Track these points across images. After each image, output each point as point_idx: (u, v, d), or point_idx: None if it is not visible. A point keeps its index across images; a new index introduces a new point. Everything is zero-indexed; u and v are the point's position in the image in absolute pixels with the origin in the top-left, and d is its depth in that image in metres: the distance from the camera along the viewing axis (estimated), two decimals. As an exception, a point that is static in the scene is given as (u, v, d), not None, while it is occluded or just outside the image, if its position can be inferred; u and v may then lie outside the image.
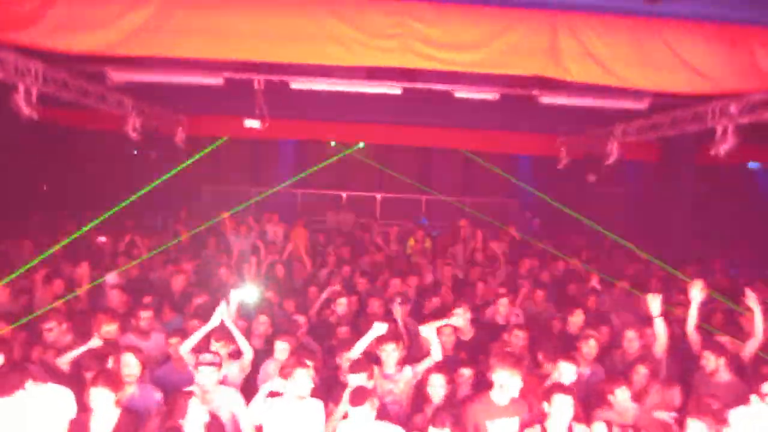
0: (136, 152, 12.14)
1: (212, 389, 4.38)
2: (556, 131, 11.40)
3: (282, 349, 5.03)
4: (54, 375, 4.57)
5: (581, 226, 12.04)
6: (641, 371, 4.84)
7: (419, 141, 12.49)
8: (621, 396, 4.40)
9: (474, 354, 5.51)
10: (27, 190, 11.81)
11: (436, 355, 4.85)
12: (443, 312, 5.76)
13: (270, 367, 5.13)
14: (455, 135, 11.84)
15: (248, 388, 4.88)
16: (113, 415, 3.98)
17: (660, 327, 5.11)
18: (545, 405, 4.13)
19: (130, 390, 4.40)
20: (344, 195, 15.72)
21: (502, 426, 4.25)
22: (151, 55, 5.88)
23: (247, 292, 6.11)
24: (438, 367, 4.66)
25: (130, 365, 4.39)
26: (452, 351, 5.47)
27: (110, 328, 5.09)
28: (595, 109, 8.24)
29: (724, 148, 6.45)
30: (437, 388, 4.48)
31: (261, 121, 8.04)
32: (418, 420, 4.45)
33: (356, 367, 4.46)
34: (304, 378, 4.22)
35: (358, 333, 5.49)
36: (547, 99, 7.81)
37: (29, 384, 3.92)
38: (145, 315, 5.60)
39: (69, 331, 5.30)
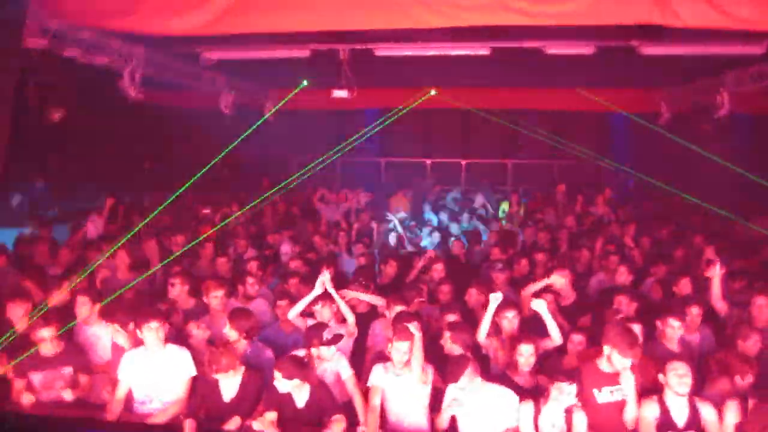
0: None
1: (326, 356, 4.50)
2: (656, 84, 10.63)
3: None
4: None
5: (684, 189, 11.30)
6: None
7: (508, 103, 12.05)
8: None
9: (575, 319, 5.33)
10: (133, 168, 12.60)
11: (555, 336, 4.70)
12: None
13: (377, 327, 5.27)
14: (546, 95, 11.35)
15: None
16: (239, 372, 4.23)
17: None
18: (660, 376, 3.93)
19: (242, 348, 4.65)
20: (429, 162, 15.58)
21: (610, 395, 4.11)
22: (241, 32, 6.03)
23: None
24: (527, 337, 4.53)
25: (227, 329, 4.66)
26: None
27: (218, 294, 5.36)
28: (702, 58, 7.55)
29: None
30: (526, 357, 4.37)
31: (348, 90, 8.06)
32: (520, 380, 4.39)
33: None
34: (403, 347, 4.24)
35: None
36: (649, 50, 7.23)
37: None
38: (251, 281, 5.93)
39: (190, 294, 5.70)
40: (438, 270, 6.60)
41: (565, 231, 8.62)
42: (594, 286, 6.69)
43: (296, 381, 3.96)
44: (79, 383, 4.59)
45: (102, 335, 4.97)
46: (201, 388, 4.30)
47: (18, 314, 4.90)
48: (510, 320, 4.87)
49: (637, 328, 4.49)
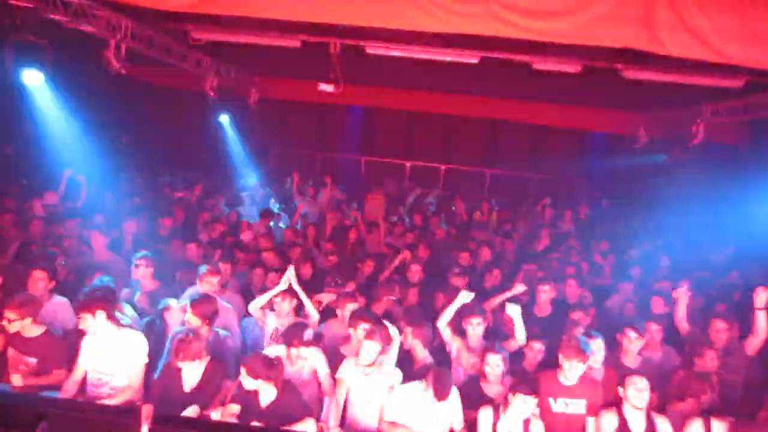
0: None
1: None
2: (635, 108, 10.87)
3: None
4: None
5: (654, 209, 11.60)
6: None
7: (492, 113, 12.20)
8: None
9: (547, 330, 5.41)
10: (108, 141, 12.34)
11: (521, 337, 4.84)
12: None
13: (332, 327, 5.27)
14: (528, 108, 11.51)
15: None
16: (203, 362, 4.20)
17: (761, 321, 4.84)
18: (619, 389, 4.05)
19: (204, 334, 4.54)
20: (408, 165, 15.65)
21: (565, 406, 4.21)
22: (233, 13, 5.98)
23: None
24: (494, 347, 4.61)
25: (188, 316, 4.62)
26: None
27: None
28: (682, 86, 7.76)
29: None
30: (494, 367, 4.46)
31: (335, 85, 8.05)
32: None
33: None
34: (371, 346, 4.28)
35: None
36: (632, 73, 7.40)
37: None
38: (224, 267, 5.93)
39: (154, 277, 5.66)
40: (415, 271, 6.63)
41: (540, 241, 8.78)
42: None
43: (260, 381, 3.92)
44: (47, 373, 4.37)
45: (59, 310, 4.86)
46: (163, 375, 4.25)
47: None
48: (474, 327, 4.96)
49: (599, 342, 4.60)
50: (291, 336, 4.44)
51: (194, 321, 4.53)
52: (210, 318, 4.60)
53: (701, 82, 7.32)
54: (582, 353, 4.20)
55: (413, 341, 4.73)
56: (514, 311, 4.81)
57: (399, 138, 15.42)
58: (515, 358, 4.90)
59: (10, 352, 4.37)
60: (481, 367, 4.53)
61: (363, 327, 4.53)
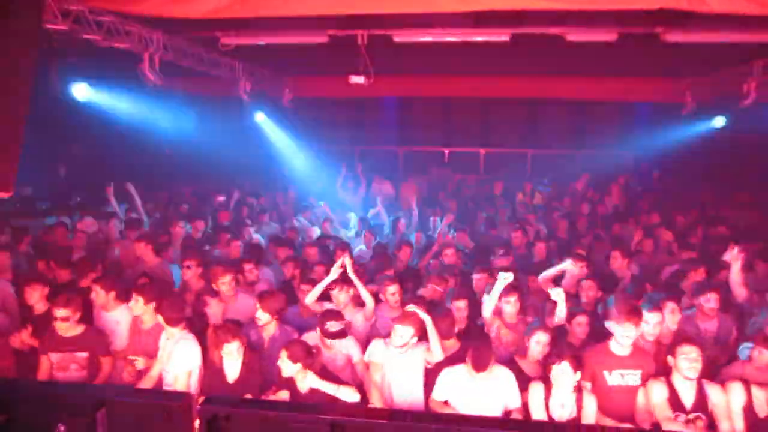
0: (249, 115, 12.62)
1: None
2: (680, 74, 10.40)
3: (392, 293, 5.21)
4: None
5: (709, 179, 11.11)
6: None
7: (528, 92, 11.89)
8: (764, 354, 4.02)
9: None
10: (153, 155, 12.71)
11: (561, 315, 4.75)
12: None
13: (382, 311, 5.31)
14: (567, 84, 11.18)
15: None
16: (241, 354, 4.28)
17: None
18: (669, 358, 3.88)
19: (272, 330, 4.75)
20: (447, 151, 15.48)
21: (621, 378, 4.07)
22: (257, 15, 6.01)
23: None
24: (545, 327, 4.54)
25: (259, 311, 4.71)
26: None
27: (225, 279, 5.39)
28: (728, 46, 7.35)
29: None
30: (542, 345, 4.36)
31: (365, 77, 8.03)
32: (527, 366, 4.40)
33: None
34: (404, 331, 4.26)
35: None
36: (673, 37, 7.06)
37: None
38: (248, 267, 6.01)
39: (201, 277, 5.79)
40: (449, 255, 6.59)
41: (583, 219, 8.56)
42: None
43: (299, 366, 3.97)
44: (97, 367, 4.66)
45: (121, 320, 5.03)
46: (206, 373, 4.35)
47: (35, 298, 5.03)
48: (512, 304, 4.90)
49: (658, 315, 4.40)
50: (318, 324, 4.54)
51: (264, 317, 4.67)
52: (278, 312, 4.76)
53: (749, 39, 6.92)
54: (635, 315, 4.07)
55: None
56: (557, 295, 4.69)
57: (435, 125, 15.27)
58: (559, 335, 4.77)
59: (54, 357, 4.56)
60: (522, 343, 4.44)
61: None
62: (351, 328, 4.90)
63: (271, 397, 4.10)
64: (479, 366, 3.90)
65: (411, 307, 4.33)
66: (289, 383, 4.05)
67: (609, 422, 3.96)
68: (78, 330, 4.61)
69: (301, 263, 6.40)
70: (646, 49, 7.90)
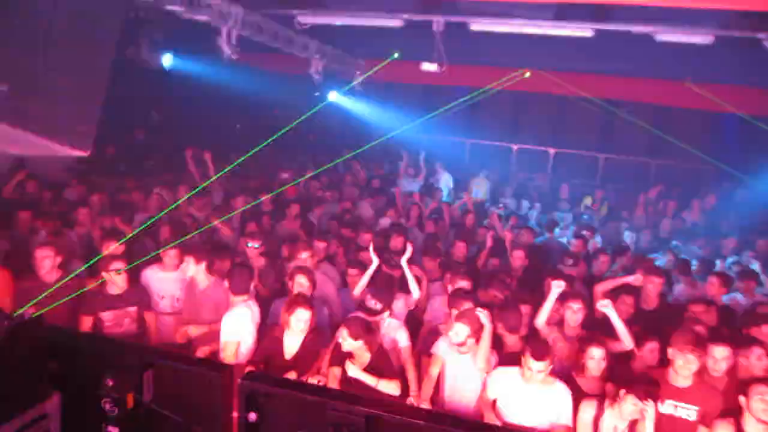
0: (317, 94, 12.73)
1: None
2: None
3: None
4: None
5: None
6: None
7: (606, 92, 11.36)
8: None
9: (655, 326, 4.96)
10: (228, 128, 13.06)
11: (626, 341, 4.41)
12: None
13: (436, 303, 5.26)
14: (649, 87, 10.59)
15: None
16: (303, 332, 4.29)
17: None
18: (741, 398, 3.58)
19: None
20: (515, 147, 15.10)
21: (674, 408, 3.82)
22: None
23: None
24: (597, 338, 4.28)
25: (303, 285, 4.73)
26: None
27: (305, 255, 5.44)
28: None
29: None
30: (597, 360, 4.12)
31: (438, 65, 7.89)
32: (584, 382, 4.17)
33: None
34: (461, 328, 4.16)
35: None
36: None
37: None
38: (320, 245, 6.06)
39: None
40: (518, 257, 6.40)
41: (648, 232, 8.14)
42: (677, 295, 6.24)
43: (360, 342, 3.98)
44: (144, 321, 4.87)
45: (178, 280, 5.18)
46: (266, 343, 4.41)
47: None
48: (574, 311, 4.62)
49: (725, 350, 4.05)
50: (362, 303, 4.60)
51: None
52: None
53: None
54: (699, 346, 3.79)
55: (498, 324, 4.53)
56: (606, 307, 4.37)
57: (505, 120, 14.91)
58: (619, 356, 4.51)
59: (107, 315, 4.74)
60: (578, 359, 4.24)
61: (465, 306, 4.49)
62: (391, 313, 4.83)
63: (315, 378, 4.09)
64: (538, 355, 3.75)
65: (480, 311, 4.19)
66: (343, 360, 4.06)
67: None
68: (125, 287, 4.80)
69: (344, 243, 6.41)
70: (743, 56, 7.35)
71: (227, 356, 4.33)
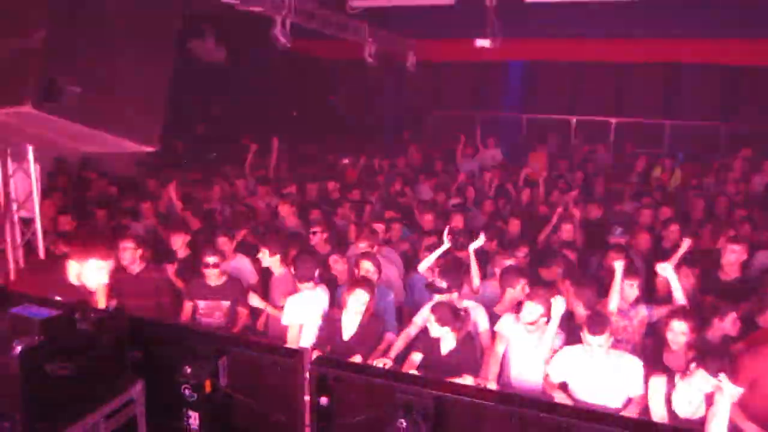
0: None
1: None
2: None
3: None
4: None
5: None
6: None
7: (668, 56, 10.78)
8: None
9: (738, 296, 4.71)
10: (281, 116, 13.29)
11: (679, 297, 4.34)
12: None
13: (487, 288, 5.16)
14: (711, 46, 9.96)
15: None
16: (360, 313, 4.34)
17: None
18: None
19: None
20: (574, 120, 14.61)
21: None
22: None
23: None
24: (683, 313, 4.11)
25: (369, 271, 4.78)
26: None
27: (364, 244, 5.47)
28: None
29: None
30: (678, 335, 3.97)
31: (491, 39, 7.72)
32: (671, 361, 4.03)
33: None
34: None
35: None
36: None
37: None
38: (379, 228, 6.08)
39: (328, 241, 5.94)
40: (567, 230, 6.27)
41: (725, 199, 7.69)
42: (758, 264, 5.88)
43: (447, 328, 4.00)
44: (236, 315, 5.00)
45: (241, 267, 5.39)
46: (326, 324, 4.51)
47: (178, 244, 5.55)
48: (628, 288, 4.51)
49: None
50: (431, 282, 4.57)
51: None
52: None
53: None
54: None
55: (575, 302, 4.43)
56: (665, 270, 4.32)
57: (562, 92, 14.43)
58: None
59: (201, 303, 4.95)
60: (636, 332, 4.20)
61: (523, 285, 4.44)
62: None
63: (380, 361, 4.14)
64: (594, 329, 3.69)
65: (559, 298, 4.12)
66: (426, 345, 4.10)
67: (753, 428, 3.57)
68: (222, 279, 4.96)
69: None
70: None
71: (290, 339, 4.47)
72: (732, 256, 5.19)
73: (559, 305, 3.97)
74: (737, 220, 6.80)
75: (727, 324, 4.26)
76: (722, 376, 3.30)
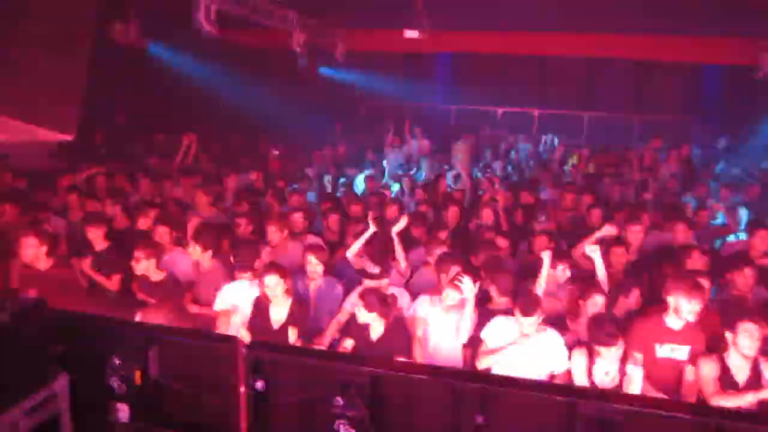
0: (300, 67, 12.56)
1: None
2: (755, 34, 9.68)
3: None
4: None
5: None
6: None
7: (586, 49, 11.34)
8: None
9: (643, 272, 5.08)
10: (206, 104, 12.87)
11: (601, 276, 4.62)
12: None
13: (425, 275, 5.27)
14: (628, 42, 10.59)
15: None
16: (287, 302, 4.35)
17: None
18: (727, 335, 3.70)
19: (318, 282, 4.87)
20: (500, 111, 15.09)
21: (671, 351, 3.94)
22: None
23: None
24: (599, 287, 4.41)
25: (312, 263, 4.81)
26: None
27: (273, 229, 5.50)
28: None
29: None
30: (597, 307, 4.25)
31: (419, 31, 7.83)
32: (578, 328, 4.30)
33: None
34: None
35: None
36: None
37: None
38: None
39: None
40: (486, 215, 6.54)
41: (635, 185, 8.25)
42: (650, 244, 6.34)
43: (374, 314, 4.04)
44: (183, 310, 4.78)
45: (178, 261, 5.23)
46: (254, 312, 4.45)
47: (98, 236, 5.30)
48: (563, 271, 4.79)
49: (704, 282, 4.26)
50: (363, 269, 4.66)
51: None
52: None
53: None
54: (701, 289, 3.88)
55: (491, 287, 4.62)
56: (594, 252, 4.59)
57: (489, 83, 14.87)
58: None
59: (141, 296, 4.78)
60: (574, 305, 4.42)
61: (457, 272, 4.53)
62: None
63: (342, 347, 4.19)
64: (527, 310, 3.81)
65: (463, 279, 4.23)
66: (356, 331, 4.13)
67: (654, 395, 3.86)
68: (160, 276, 4.77)
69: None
70: (719, 5, 7.35)
71: (221, 326, 4.44)
72: (632, 236, 5.58)
73: (467, 286, 4.11)
74: (641, 203, 7.33)
75: (631, 300, 4.58)
76: (620, 343, 3.59)
